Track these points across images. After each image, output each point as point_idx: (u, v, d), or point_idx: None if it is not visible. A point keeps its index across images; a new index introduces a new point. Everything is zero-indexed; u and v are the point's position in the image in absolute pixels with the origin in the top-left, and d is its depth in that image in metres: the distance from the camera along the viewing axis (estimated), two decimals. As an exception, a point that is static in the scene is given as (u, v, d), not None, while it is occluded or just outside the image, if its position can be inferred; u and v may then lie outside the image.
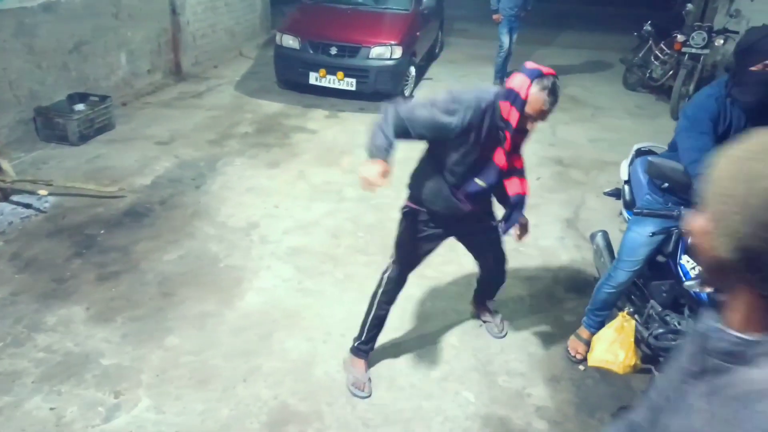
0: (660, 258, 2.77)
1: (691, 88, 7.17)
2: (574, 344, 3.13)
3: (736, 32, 7.11)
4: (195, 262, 3.69)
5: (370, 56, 6.72)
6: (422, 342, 3.16)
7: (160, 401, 2.65)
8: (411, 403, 2.76)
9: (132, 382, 2.74)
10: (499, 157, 2.41)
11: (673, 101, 7.03)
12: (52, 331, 3.01)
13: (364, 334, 2.84)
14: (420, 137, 2.39)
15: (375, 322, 2.83)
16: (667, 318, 2.67)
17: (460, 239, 2.89)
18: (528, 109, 2.22)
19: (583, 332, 3.12)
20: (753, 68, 2.32)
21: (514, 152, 2.48)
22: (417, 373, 2.94)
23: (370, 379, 2.85)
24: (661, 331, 2.62)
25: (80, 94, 5.48)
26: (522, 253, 4.07)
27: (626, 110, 7.44)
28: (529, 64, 2.27)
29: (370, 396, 2.78)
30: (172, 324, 3.14)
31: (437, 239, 2.75)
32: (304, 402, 2.71)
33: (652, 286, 2.82)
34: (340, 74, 6.75)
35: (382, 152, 2.25)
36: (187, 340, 3.04)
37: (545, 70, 2.23)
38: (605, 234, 3.48)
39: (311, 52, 6.84)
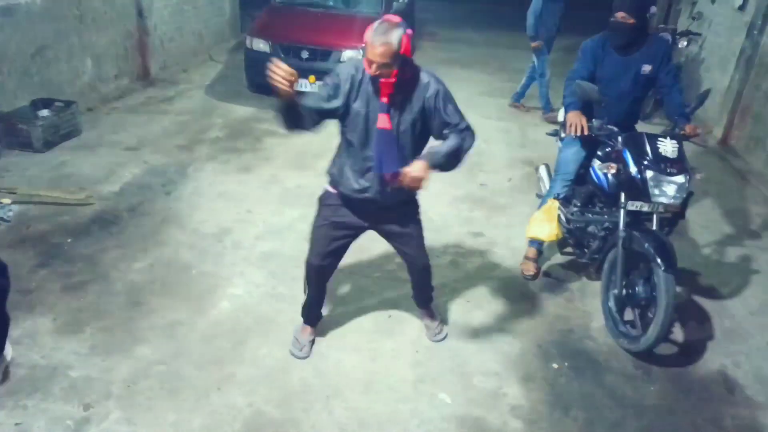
0: (581, 171, 3.78)
1: (656, 88, 7.33)
2: (525, 266, 3.88)
3: (699, 34, 7.30)
4: (165, 270, 3.63)
5: (341, 59, 6.69)
6: (398, 345, 3.15)
7: (131, 413, 2.59)
8: (387, 406, 2.75)
9: (101, 393, 2.68)
10: (382, 120, 2.49)
11: (640, 101, 7.17)
12: (17, 344, 2.91)
13: (303, 310, 3.09)
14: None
15: (309, 302, 3.05)
16: (582, 209, 3.73)
17: (381, 234, 2.90)
18: (367, 53, 2.35)
19: (530, 251, 3.92)
20: (612, 19, 3.45)
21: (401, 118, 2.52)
22: (393, 376, 2.93)
23: (311, 343, 3.07)
24: (575, 209, 3.70)
25: (44, 100, 5.34)
26: (495, 253, 4.11)
27: (594, 111, 7.56)
28: None
29: (305, 357, 3.00)
30: (142, 334, 3.08)
31: (350, 228, 2.80)
32: (280, 409, 2.68)
33: (575, 191, 3.87)
34: (312, 78, 6.70)
35: None
36: (157, 350, 2.98)
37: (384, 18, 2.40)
38: (547, 166, 4.45)
39: (282, 55, 6.77)
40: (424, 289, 3.15)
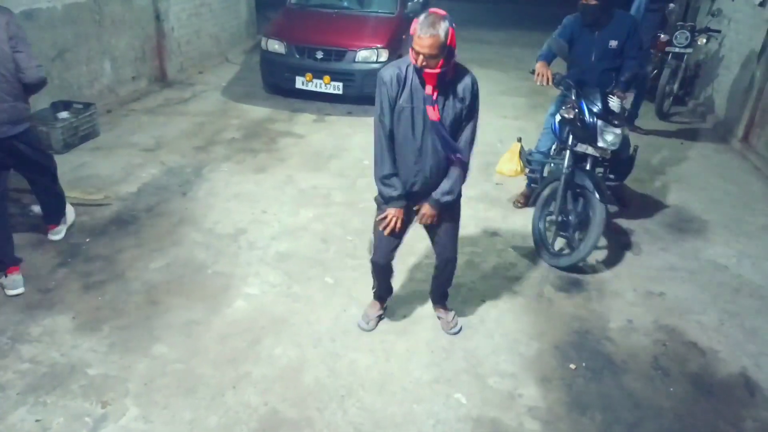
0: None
1: (676, 87, 7.22)
2: (518, 198, 4.73)
3: (718, 31, 7.18)
4: (182, 270, 3.66)
5: (356, 60, 6.72)
6: (412, 345, 3.14)
7: (148, 410, 2.62)
8: (402, 407, 2.74)
9: (119, 391, 2.71)
10: (431, 112, 2.56)
11: (658, 100, 7.08)
12: (37, 342, 2.96)
13: (374, 288, 3.23)
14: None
15: (378, 286, 3.18)
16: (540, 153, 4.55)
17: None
18: (414, 45, 2.42)
19: (526, 190, 4.71)
20: (579, 1, 4.02)
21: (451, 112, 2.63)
22: (408, 377, 2.92)
23: (379, 317, 3.24)
24: (533, 150, 4.59)
25: (64, 102, 5.42)
26: (511, 253, 4.08)
27: (612, 110, 7.46)
28: None
29: (371, 330, 3.19)
30: (159, 332, 3.11)
31: (408, 219, 2.87)
32: (294, 408, 2.69)
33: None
34: (327, 78, 6.74)
35: (396, 201, 2.72)
36: (174, 348, 3.00)
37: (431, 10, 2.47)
38: None
39: (297, 56, 6.83)
40: (443, 283, 3.20)
